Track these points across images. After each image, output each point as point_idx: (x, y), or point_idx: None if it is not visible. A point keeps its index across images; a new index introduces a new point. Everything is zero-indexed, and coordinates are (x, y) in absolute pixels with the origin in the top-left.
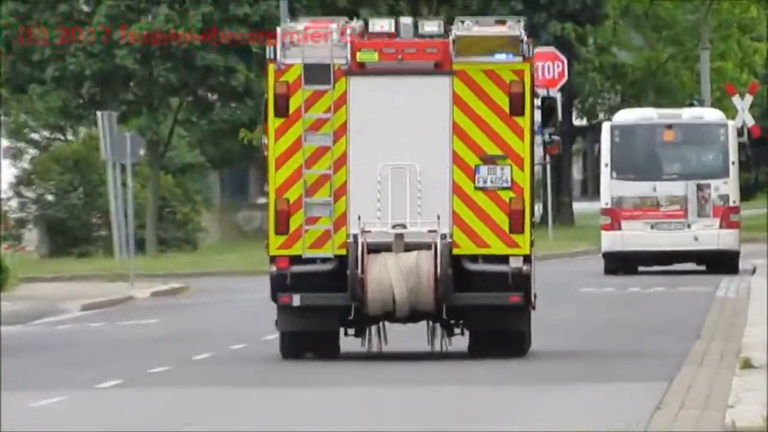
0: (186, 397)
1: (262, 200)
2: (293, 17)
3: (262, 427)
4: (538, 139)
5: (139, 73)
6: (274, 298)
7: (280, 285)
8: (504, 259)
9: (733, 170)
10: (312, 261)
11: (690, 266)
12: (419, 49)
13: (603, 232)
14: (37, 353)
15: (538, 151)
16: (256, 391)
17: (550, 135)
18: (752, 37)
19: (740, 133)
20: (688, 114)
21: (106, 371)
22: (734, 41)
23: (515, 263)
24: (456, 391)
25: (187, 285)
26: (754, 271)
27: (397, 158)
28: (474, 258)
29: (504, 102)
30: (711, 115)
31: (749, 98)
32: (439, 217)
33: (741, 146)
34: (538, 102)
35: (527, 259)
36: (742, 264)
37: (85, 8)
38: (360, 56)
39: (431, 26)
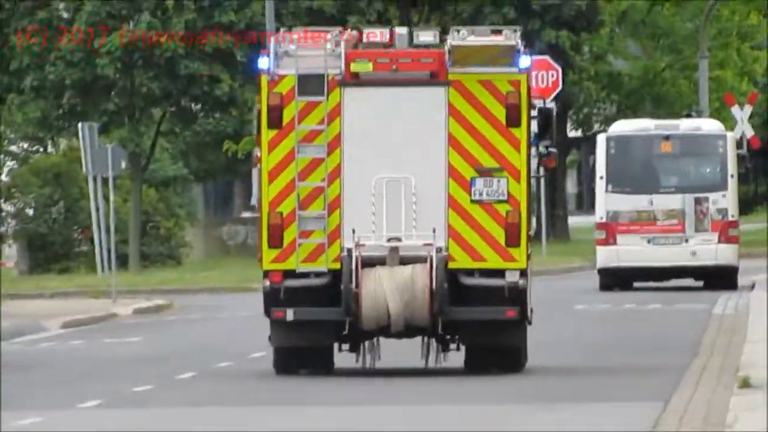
0: (169, 416)
1: (246, 214)
2: (279, 24)
3: None
4: (533, 151)
5: (121, 83)
6: (268, 312)
7: (273, 300)
8: (500, 273)
9: (732, 183)
10: (306, 275)
11: (687, 282)
12: (414, 59)
13: (598, 247)
14: (16, 372)
15: (533, 164)
16: (241, 410)
17: (546, 147)
18: (752, 46)
19: (739, 144)
20: (685, 125)
21: (87, 390)
22: (734, 50)
23: (511, 277)
24: (449, 411)
25: (170, 302)
26: (753, 287)
27: (391, 170)
28: (470, 272)
29: (500, 113)
30: (709, 126)
31: (749, 108)
32: (434, 231)
33: (740, 158)
34: (534, 113)
35: (523, 273)
36: (741, 280)
37: (65, 15)
38: (354, 66)
39: (426, 36)
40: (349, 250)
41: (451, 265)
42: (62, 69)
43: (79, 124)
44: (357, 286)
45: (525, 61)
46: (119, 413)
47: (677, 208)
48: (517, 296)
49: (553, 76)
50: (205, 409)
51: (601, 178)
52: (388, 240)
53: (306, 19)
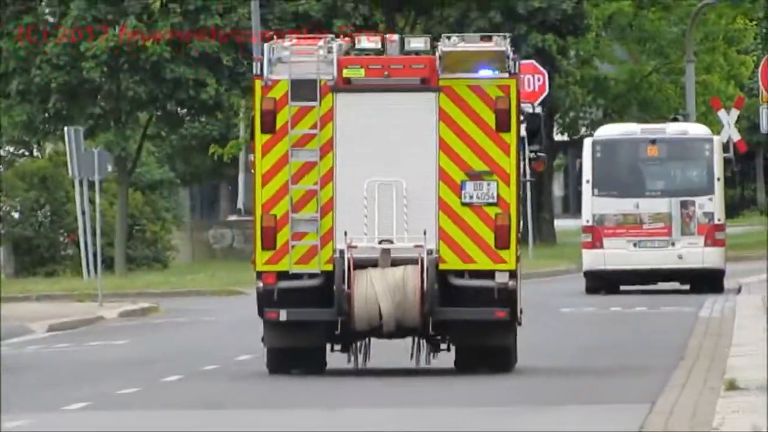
0: (156, 419)
1: (233, 218)
2: (265, 28)
3: None
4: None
5: (107, 87)
6: (261, 313)
7: (266, 300)
8: (490, 274)
9: (719, 187)
10: (299, 276)
11: (674, 285)
12: (406, 65)
13: (584, 251)
14: (2, 374)
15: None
16: (227, 413)
17: (535, 152)
18: (739, 50)
19: (726, 148)
20: (672, 129)
21: (73, 393)
22: (720, 54)
23: (501, 278)
24: (438, 413)
25: (157, 305)
26: (739, 291)
27: (383, 174)
28: (460, 273)
29: (490, 118)
30: (696, 129)
31: (735, 113)
32: (425, 233)
33: (727, 162)
34: (522, 118)
35: (513, 274)
36: (728, 283)
37: (51, 19)
38: (346, 72)
39: (417, 43)
40: (342, 252)
41: (442, 266)
42: (48, 72)
43: (65, 128)
44: (349, 287)
45: (514, 66)
46: (106, 416)
47: (664, 211)
48: (507, 297)
49: (539, 80)
50: (191, 412)
51: (588, 181)
52: (380, 242)
53: (292, 23)
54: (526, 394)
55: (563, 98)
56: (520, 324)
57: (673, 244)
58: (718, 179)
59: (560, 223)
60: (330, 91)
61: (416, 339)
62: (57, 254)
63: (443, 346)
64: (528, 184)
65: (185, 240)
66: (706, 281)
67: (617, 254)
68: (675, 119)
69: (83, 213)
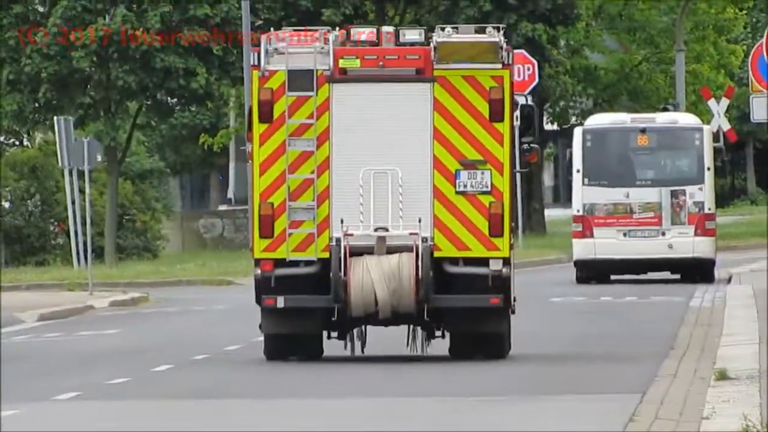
0: (146, 409)
1: (223, 207)
2: (255, 17)
3: None
4: None
5: (96, 76)
6: (259, 300)
7: (264, 287)
8: (484, 261)
9: (709, 176)
10: (296, 264)
11: (664, 275)
12: (401, 56)
13: (574, 240)
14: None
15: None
16: (218, 402)
17: (528, 143)
18: (728, 39)
19: (716, 138)
20: (662, 118)
21: (63, 383)
22: (710, 43)
23: (495, 266)
24: (427, 403)
25: (147, 294)
26: (729, 281)
27: (379, 163)
28: (455, 261)
29: (484, 108)
30: (686, 119)
31: (725, 102)
32: (420, 221)
33: (717, 151)
34: (516, 111)
35: (507, 261)
36: (718, 273)
37: (41, 9)
38: (342, 63)
39: (412, 35)
40: (338, 240)
41: (437, 254)
42: (38, 62)
43: (55, 118)
44: (345, 274)
45: (508, 57)
46: (96, 405)
47: (654, 201)
48: (501, 284)
49: (529, 69)
50: (181, 402)
51: (578, 171)
52: (376, 230)
53: (282, 12)
54: (517, 383)
55: (553, 88)
56: (513, 312)
57: (663, 234)
58: (708, 169)
59: (550, 213)
60: (326, 82)
61: (411, 326)
62: (47, 244)
63: (438, 333)
64: (518, 174)
65: (175, 229)
66: (697, 271)
67: (607, 244)
68: (665, 109)
69: (73, 202)
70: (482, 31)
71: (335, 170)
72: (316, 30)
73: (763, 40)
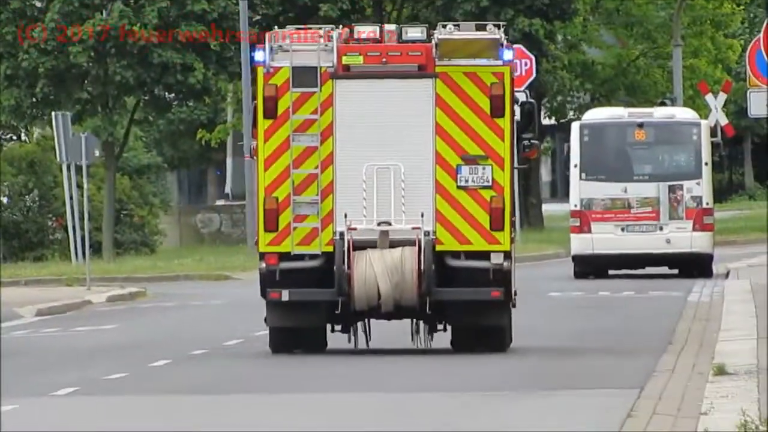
0: (144, 404)
1: (220, 202)
2: (252, 12)
3: None
4: None
5: (94, 71)
6: (264, 293)
7: (269, 281)
8: (485, 255)
9: (706, 171)
10: (300, 257)
11: (662, 270)
12: (403, 53)
13: (572, 235)
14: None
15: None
16: (215, 397)
17: (529, 140)
18: (726, 34)
19: (714, 132)
20: (659, 113)
21: (61, 378)
22: (708, 38)
23: (496, 259)
24: (428, 398)
25: (144, 289)
26: (727, 275)
27: (381, 158)
28: (456, 254)
29: (485, 104)
30: (683, 114)
31: (723, 96)
32: (422, 215)
33: (714, 146)
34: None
35: (507, 255)
36: (716, 268)
37: (38, 4)
38: (346, 59)
39: (414, 32)
40: (342, 234)
41: (439, 247)
42: (35, 57)
43: (53, 113)
44: (349, 267)
45: (508, 54)
46: (94, 400)
47: (652, 195)
48: (502, 278)
49: (526, 64)
50: (179, 397)
51: (575, 166)
52: (379, 224)
53: (279, 7)
54: (518, 378)
55: (551, 83)
56: (514, 305)
57: (661, 229)
58: (706, 163)
59: (548, 208)
60: (330, 78)
61: (414, 320)
62: (45, 239)
63: (440, 326)
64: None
65: (173, 224)
66: (695, 266)
67: (605, 239)
68: (662, 103)
69: (71, 198)
70: (483, 28)
71: (339, 165)
72: (319, 28)
73: (761, 35)
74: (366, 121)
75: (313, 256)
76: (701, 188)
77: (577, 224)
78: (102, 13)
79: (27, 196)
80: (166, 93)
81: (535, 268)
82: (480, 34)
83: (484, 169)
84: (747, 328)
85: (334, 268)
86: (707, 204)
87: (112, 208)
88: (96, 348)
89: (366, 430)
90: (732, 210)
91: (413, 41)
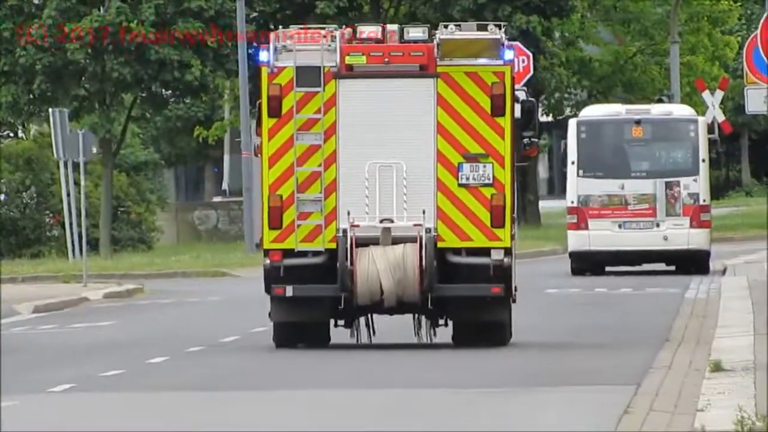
0: (141, 401)
1: (217, 199)
2: (249, 9)
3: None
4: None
5: (91, 68)
6: (268, 289)
7: (273, 277)
8: (486, 251)
9: (704, 168)
10: (304, 254)
11: (659, 267)
12: (405, 53)
13: (569, 232)
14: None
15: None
16: (213, 394)
17: (529, 138)
18: (723, 31)
19: (711, 129)
20: (656, 110)
21: (58, 375)
22: (705, 35)
23: (497, 256)
24: (428, 395)
25: (141, 286)
26: (724, 272)
27: (384, 156)
28: (457, 251)
29: (486, 103)
30: (680, 110)
31: (720, 94)
32: (424, 212)
33: (711, 143)
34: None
35: (508, 252)
36: (713, 264)
37: (36, 0)
38: (349, 59)
39: (416, 32)
40: (345, 231)
41: (440, 244)
42: (33, 53)
43: (50, 110)
44: (352, 264)
45: (509, 53)
46: (91, 397)
47: (649, 192)
48: (502, 274)
49: (523, 61)
50: (176, 394)
51: (573, 162)
52: (381, 221)
53: (276, 4)
54: (515, 375)
55: (548, 79)
56: (514, 301)
57: (658, 225)
58: (703, 160)
59: (545, 205)
60: (333, 78)
61: (417, 315)
62: (42, 236)
63: (441, 321)
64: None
65: (170, 221)
66: (692, 262)
67: (602, 235)
68: (660, 100)
69: (68, 194)
70: (484, 28)
71: (342, 163)
72: (323, 27)
73: (758, 31)
74: (368, 120)
75: (316, 253)
76: (698, 185)
77: (574, 221)
78: (99, 10)
79: (24, 193)
80: (164, 90)
81: (532, 264)
82: (481, 34)
83: (484, 167)
84: (744, 325)
85: (338, 264)
86: (704, 201)
87: (110, 205)
88: (93, 345)
89: (364, 428)
90: (729, 207)
91: (415, 41)
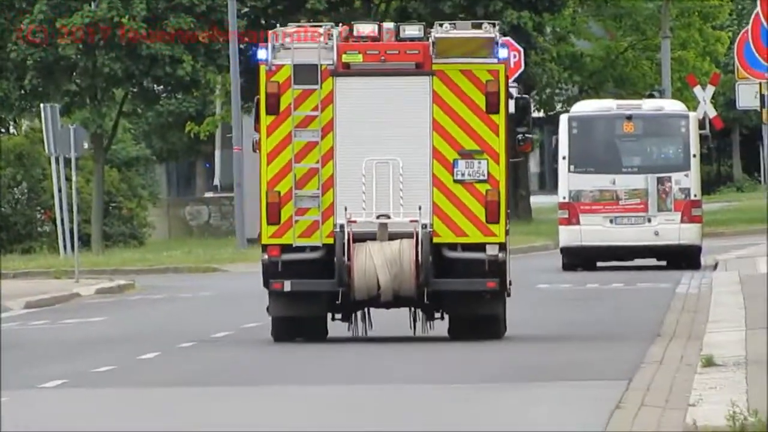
0: (132, 396)
1: (209, 194)
2: (240, 5)
3: (207, 427)
4: None
5: (83, 63)
6: (266, 284)
7: (271, 272)
8: (481, 247)
9: (695, 163)
10: (302, 249)
11: (650, 262)
12: (401, 51)
13: (561, 227)
14: None
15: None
16: (204, 390)
17: (523, 134)
18: (714, 26)
19: (702, 124)
20: (648, 105)
21: (49, 370)
22: (696, 30)
23: (491, 251)
24: (417, 390)
25: (133, 282)
26: (715, 267)
27: (380, 153)
28: (453, 246)
29: (481, 100)
30: (672, 106)
31: (711, 89)
32: (420, 208)
33: (703, 138)
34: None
35: (503, 247)
36: (704, 259)
37: None
38: (345, 57)
39: (412, 30)
40: (342, 226)
41: (436, 240)
42: (24, 49)
43: (41, 105)
44: (349, 259)
45: (503, 52)
46: (82, 393)
47: (640, 187)
48: (497, 269)
49: (515, 57)
50: (168, 389)
51: (564, 158)
52: (378, 217)
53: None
54: (507, 371)
55: (539, 75)
56: (509, 295)
57: (649, 221)
58: (695, 155)
59: (536, 200)
60: (330, 75)
61: (413, 309)
62: (33, 231)
63: (437, 315)
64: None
65: (161, 217)
66: (683, 257)
67: (594, 231)
68: (651, 95)
69: (59, 190)
70: (479, 27)
71: (339, 160)
72: (320, 26)
73: (749, 26)
74: (365, 117)
75: (314, 248)
76: (689, 180)
77: (566, 216)
78: (90, 5)
79: (15, 189)
80: (155, 85)
81: (523, 260)
82: (476, 33)
83: (479, 163)
84: (735, 320)
85: (335, 259)
86: (695, 196)
87: (101, 201)
88: (84, 340)
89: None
90: (720, 202)
91: (411, 39)
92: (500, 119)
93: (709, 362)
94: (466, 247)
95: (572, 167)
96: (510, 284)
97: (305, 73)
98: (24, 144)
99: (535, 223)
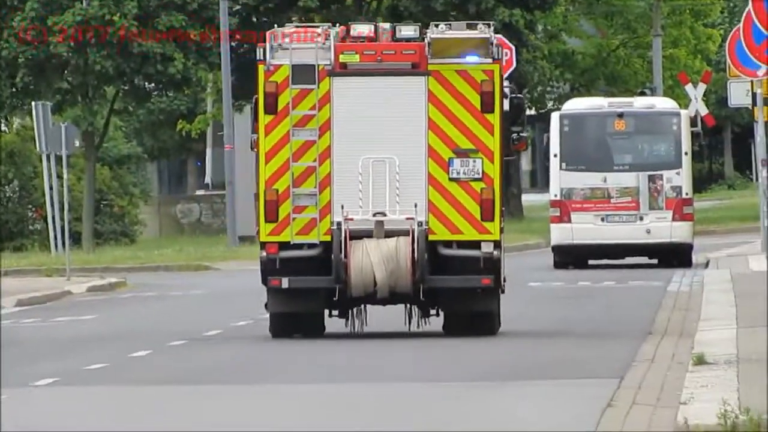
0: (124, 394)
1: (200, 192)
2: (232, 2)
3: (198, 426)
4: None
5: (74, 61)
6: (265, 281)
7: (270, 269)
8: (476, 244)
9: (686, 161)
10: (299, 247)
11: (642, 260)
12: (397, 51)
13: (552, 225)
14: None
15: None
16: (195, 388)
17: (518, 133)
18: (706, 24)
19: (694, 122)
20: (639, 103)
21: (41, 368)
22: (687, 28)
23: (486, 248)
24: (410, 388)
25: (124, 279)
26: (707, 265)
27: (377, 151)
28: (448, 243)
29: (476, 100)
30: (663, 103)
31: (702, 87)
32: (416, 206)
33: (694, 136)
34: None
35: (497, 244)
36: (696, 257)
37: None
38: (343, 58)
39: (408, 31)
40: (339, 224)
41: (432, 237)
42: (15, 47)
43: (33, 103)
44: (346, 256)
45: (497, 52)
46: (74, 391)
47: (631, 185)
48: (492, 266)
49: (506, 54)
50: (159, 387)
51: (555, 156)
52: (374, 215)
53: None
54: (499, 368)
55: (531, 73)
56: (503, 291)
57: (641, 219)
58: (686, 153)
59: (528, 198)
60: (327, 75)
61: (409, 306)
62: (25, 229)
63: (432, 311)
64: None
65: (153, 215)
66: (674, 256)
67: (585, 229)
68: (642, 93)
69: (51, 188)
70: (474, 27)
71: (336, 158)
72: (318, 26)
73: (741, 24)
74: (362, 116)
75: (311, 246)
76: (681, 178)
77: (557, 214)
78: (82, 3)
79: (6, 187)
80: (146, 83)
81: (515, 258)
82: (470, 33)
83: (474, 162)
84: (727, 318)
85: (332, 256)
86: (687, 194)
87: (92, 199)
88: (76, 338)
89: (347, 424)
90: (712, 200)
91: (407, 39)
92: (495, 118)
93: (700, 360)
94: (462, 244)
95: (564, 165)
96: (505, 281)
97: (303, 73)
98: (15, 142)
99: (526, 221)
